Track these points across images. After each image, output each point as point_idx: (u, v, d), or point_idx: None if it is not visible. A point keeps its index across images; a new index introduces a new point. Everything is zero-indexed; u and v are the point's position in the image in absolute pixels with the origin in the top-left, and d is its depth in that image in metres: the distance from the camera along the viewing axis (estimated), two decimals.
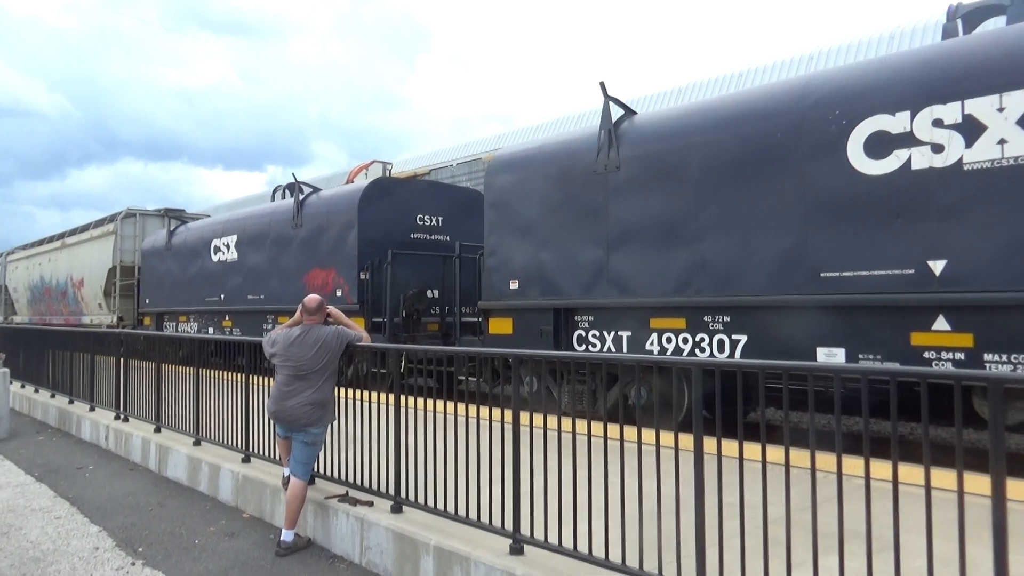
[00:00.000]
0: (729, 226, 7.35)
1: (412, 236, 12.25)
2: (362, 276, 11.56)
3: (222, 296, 15.08)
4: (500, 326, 9.56)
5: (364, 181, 12.33)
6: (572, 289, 8.73)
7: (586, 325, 8.65)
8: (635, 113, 8.70)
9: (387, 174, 18.98)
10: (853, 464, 2.87)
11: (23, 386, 13.22)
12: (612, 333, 8.37)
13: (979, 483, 2.67)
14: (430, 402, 4.80)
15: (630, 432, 3.57)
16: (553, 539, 3.79)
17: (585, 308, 8.62)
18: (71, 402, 11.09)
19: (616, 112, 8.51)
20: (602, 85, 8.49)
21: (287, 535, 5.10)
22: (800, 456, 3.00)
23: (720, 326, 7.44)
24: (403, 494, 4.82)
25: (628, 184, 8.22)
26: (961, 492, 2.50)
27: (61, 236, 23.43)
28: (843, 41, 13.41)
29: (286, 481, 5.34)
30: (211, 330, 15.24)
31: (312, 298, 5.45)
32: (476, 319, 10.57)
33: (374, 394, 5.17)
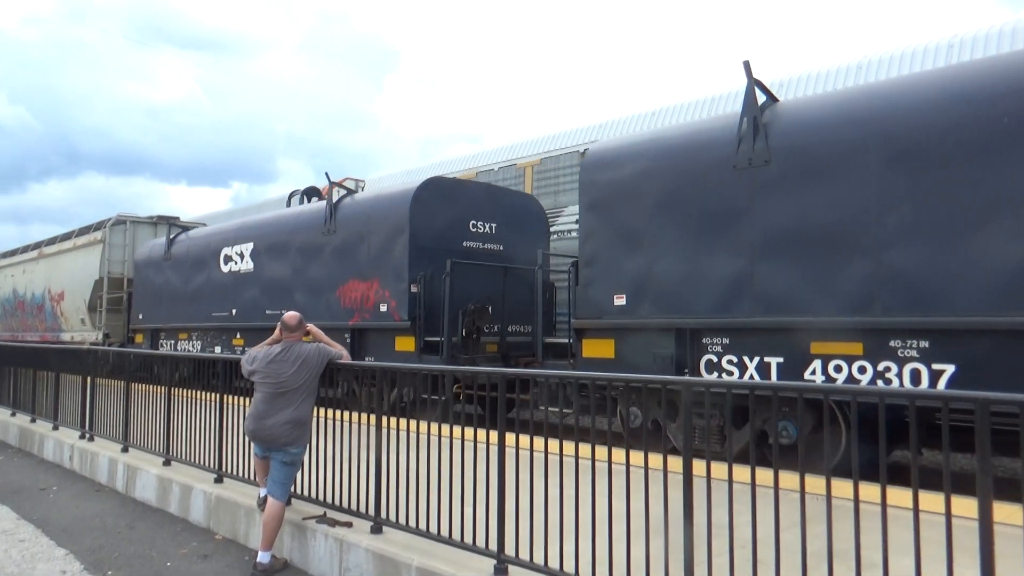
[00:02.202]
0: (930, 230, 6.00)
1: (465, 244, 10.71)
2: (413, 289, 9.97)
3: (233, 311, 13.30)
4: (598, 348, 8.05)
5: (414, 182, 10.75)
6: (701, 306, 7.28)
7: (719, 349, 7.19)
8: (777, 100, 7.41)
9: (360, 190, 17.27)
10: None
11: None
12: (756, 359, 6.92)
13: (967, 506, 2.69)
14: (410, 422, 4.73)
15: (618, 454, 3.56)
16: (539, 559, 3.71)
17: (719, 329, 7.17)
18: (33, 421, 10.67)
19: (759, 98, 7.20)
20: (746, 65, 7.19)
21: (264, 557, 4.99)
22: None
23: (914, 352, 6.04)
24: (384, 514, 4.71)
25: (781, 181, 6.85)
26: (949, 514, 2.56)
27: (38, 246, 21.34)
28: None
29: (262, 502, 5.27)
30: (218, 349, 13.40)
31: (292, 315, 5.33)
32: (567, 340, 9.05)
33: (353, 414, 5.15)
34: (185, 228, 16.36)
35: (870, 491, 2.90)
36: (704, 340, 7.29)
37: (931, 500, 2.93)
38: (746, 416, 7.10)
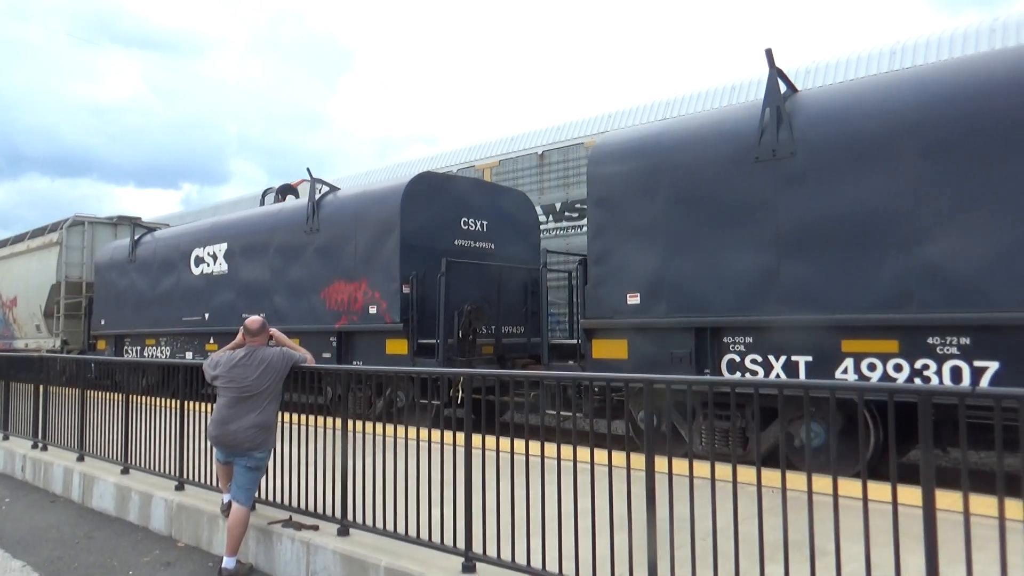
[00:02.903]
0: (969, 223, 5.80)
1: (456, 243, 10.24)
2: (405, 290, 9.49)
3: (206, 315, 12.54)
4: (610, 349, 7.69)
5: (404, 177, 10.24)
6: (722, 304, 6.97)
7: (742, 348, 6.89)
8: (797, 90, 7.18)
9: (319, 191, 16.60)
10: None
11: None
12: (783, 358, 6.63)
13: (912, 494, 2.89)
14: (377, 425, 4.76)
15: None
16: (506, 556, 3.80)
17: (742, 327, 6.87)
18: None
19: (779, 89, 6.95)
20: (768, 53, 6.93)
21: (229, 562, 4.94)
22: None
23: (955, 350, 5.82)
24: (351, 517, 4.74)
25: (807, 173, 6.59)
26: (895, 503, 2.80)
27: None
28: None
29: (226, 508, 5.26)
30: (189, 355, 12.64)
31: (254, 319, 5.32)
32: (575, 341, 8.68)
33: (316, 417, 5.14)
34: (150, 229, 15.50)
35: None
36: (725, 339, 6.98)
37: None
38: (766, 417, 6.84)
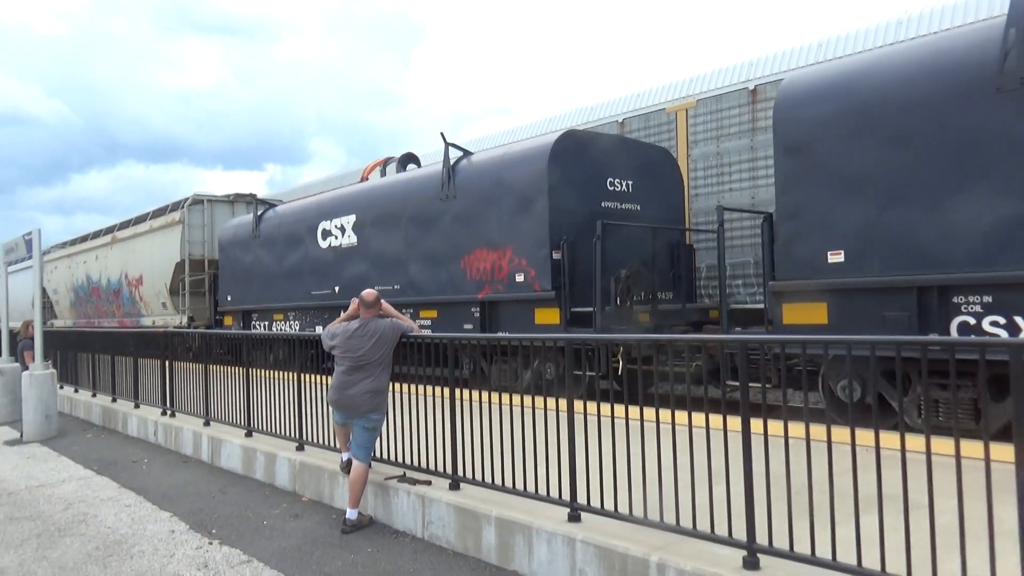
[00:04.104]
0: None
1: (603, 204, 9.44)
2: (555, 256, 8.83)
3: (336, 288, 12.22)
4: (805, 314, 6.79)
5: (548, 136, 9.55)
6: (952, 259, 5.99)
7: (978, 309, 5.87)
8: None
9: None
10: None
11: (61, 387, 12.77)
12: None
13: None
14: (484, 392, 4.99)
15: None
16: (609, 507, 3.98)
17: (979, 285, 5.88)
18: (114, 400, 11.09)
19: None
20: None
21: (352, 514, 5.27)
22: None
23: None
24: (460, 473, 4.97)
25: None
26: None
27: (110, 230, 20.73)
28: None
29: (345, 465, 5.62)
30: (318, 329, 12.40)
31: (369, 292, 5.59)
32: (762, 305, 7.84)
33: (429, 388, 5.30)
34: (271, 204, 15.41)
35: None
36: (956, 299, 5.99)
37: None
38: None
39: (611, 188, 9.61)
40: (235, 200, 17.47)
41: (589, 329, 8.35)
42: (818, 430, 3.26)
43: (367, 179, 15.80)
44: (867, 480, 3.02)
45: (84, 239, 22.68)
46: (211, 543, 5.23)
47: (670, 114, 12.07)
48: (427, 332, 7.70)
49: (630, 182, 9.80)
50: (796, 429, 3.34)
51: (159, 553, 5.06)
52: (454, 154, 10.49)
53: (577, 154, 9.33)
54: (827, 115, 6.82)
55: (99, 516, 6.12)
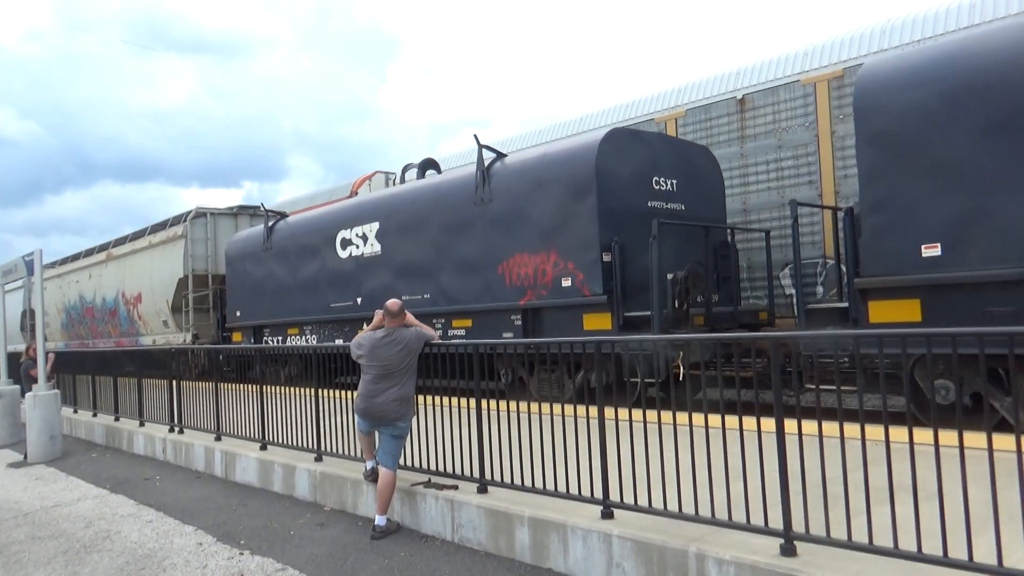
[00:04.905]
0: None
1: (649, 204, 9.03)
2: (605, 258, 8.33)
3: (358, 299, 11.75)
4: (895, 311, 6.38)
5: (594, 134, 8.99)
6: None
7: None
8: None
9: (391, 184, 15.38)
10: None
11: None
12: None
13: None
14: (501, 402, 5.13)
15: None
16: (643, 503, 4.06)
17: None
18: (117, 420, 11.03)
19: None
20: None
21: (381, 520, 5.33)
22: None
23: None
24: (488, 476, 5.05)
25: None
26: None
27: (104, 248, 20.15)
28: None
29: (370, 474, 5.71)
30: (339, 342, 11.74)
31: (394, 302, 5.67)
32: (845, 304, 7.31)
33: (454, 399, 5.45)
34: (282, 215, 14.80)
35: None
36: None
37: None
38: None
39: (657, 187, 9.22)
40: (239, 212, 17.01)
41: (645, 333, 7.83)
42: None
43: (356, 193, 15.58)
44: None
45: (76, 257, 22.15)
46: (242, 553, 5.26)
47: (659, 124, 12.12)
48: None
49: (675, 181, 9.44)
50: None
51: (191, 565, 5.08)
52: (487, 156, 9.99)
53: (624, 152, 8.93)
54: (917, 101, 6.44)
55: (122, 532, 6.08)
